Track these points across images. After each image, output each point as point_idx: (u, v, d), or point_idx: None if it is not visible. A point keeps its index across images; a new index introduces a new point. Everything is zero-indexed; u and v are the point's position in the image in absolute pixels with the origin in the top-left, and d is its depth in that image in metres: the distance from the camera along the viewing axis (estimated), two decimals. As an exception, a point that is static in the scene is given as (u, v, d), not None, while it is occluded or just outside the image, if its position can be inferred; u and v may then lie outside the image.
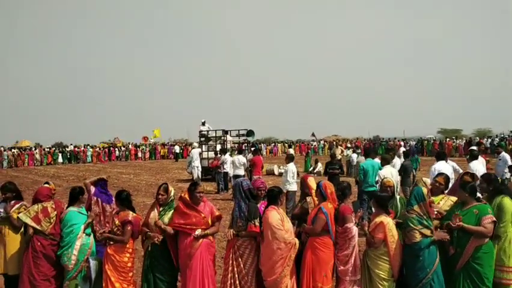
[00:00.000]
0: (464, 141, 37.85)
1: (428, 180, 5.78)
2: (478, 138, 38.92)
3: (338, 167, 11.97)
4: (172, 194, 5.24)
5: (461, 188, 4.88)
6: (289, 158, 11.17)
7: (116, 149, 42.85)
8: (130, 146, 44.22)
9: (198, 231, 4.89)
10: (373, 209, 5.19)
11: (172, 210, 5.15)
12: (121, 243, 5.07)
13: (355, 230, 4.82)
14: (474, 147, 12.64)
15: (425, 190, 4.87)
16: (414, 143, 40.29)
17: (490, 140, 35.34)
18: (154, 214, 5.17)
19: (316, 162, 23.09)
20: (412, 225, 4.70)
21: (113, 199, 5.62)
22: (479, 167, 8.54)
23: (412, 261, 4.70)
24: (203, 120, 22.17)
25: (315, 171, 22.05)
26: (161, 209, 5.20)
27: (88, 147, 41.33)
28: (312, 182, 5.37)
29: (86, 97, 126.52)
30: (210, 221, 5.03)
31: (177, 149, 42.08)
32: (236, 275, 4.87)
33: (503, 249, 4.85)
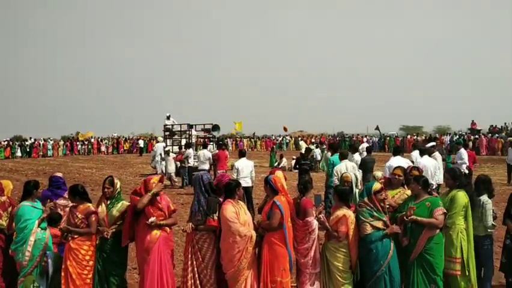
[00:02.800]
0: (424, 137, 39.02)
1: (379, 174, 5.95)
2: (437, 135, 40.15)
3: (309, 162, 12.11)
4: (118, 186, 5.22)
5: (415, 181, 5.06)
6: (241, 154, 11.19)
7: (78, 142, 41.79)
8: (92, 139, 43.14)
9: (152, 219, 4.81)
10: (333, 202, 5.29)
11: (121, 202, 5.16)
12: (87, 236, 4.96)
13: (315, 223, 4.89)
14: (430, 145, 13.07)
15: (377, 184, 5.02)
16: (377, 139, 41.28)
17: (449, 137, 36.60)
18: (102, 208, 5.12)
19: (281, 157, 23.26)
20: (363, 218, 4.84)
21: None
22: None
23: (366, 254, 4.82)
24: (168, 114, 21.91)
25: (279, 166, 22.23)
26: (108, 202, 5.17)
27: (49, 140, 40.12)
28: (280, 175, 5.30)
29: (49, 89, 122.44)
30: (166, 214, 4.99)
31: (141, 143, 41.45)
32: (195, 269, 4.86)
33: (451, 240, 4.99)
